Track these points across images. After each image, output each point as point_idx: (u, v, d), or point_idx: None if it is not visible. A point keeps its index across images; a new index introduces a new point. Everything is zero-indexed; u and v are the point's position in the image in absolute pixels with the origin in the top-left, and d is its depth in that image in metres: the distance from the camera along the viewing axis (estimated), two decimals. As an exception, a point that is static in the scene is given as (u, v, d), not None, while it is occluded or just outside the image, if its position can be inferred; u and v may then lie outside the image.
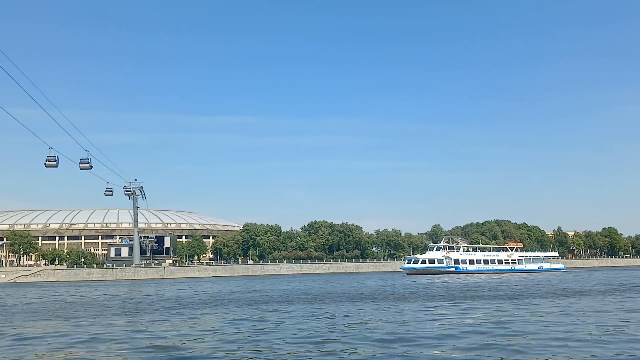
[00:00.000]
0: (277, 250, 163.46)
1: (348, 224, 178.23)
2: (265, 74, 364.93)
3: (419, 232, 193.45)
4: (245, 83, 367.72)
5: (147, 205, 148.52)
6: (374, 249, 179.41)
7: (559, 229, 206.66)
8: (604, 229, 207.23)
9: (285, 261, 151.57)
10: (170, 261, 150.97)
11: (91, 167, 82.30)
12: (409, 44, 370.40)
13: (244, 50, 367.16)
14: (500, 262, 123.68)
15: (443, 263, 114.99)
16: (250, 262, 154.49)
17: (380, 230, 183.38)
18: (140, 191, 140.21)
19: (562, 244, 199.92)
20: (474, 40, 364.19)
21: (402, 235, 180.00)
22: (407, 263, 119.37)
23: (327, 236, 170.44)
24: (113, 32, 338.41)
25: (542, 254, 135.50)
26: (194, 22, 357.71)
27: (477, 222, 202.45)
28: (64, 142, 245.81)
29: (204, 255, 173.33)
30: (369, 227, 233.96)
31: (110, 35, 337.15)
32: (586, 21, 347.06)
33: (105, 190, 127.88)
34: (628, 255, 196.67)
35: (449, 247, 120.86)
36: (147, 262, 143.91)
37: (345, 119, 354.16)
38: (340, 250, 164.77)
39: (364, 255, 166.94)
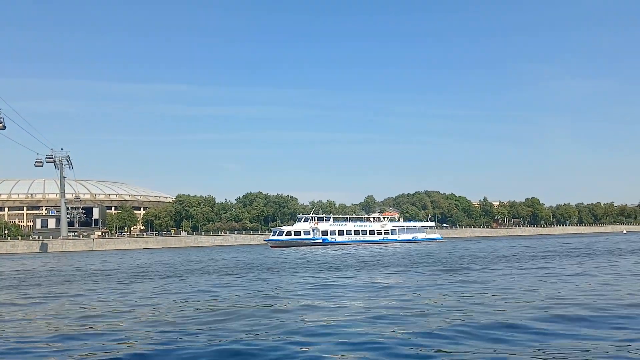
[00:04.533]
0: (211, 222, 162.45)
1: (283, 195, 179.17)
2: (198, 43, 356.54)
3: (353, 203, 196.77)
4: (178, 51, 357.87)
5: (75, 175, 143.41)
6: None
7: (484, 199, 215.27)
8: (527, 199, 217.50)
9: (220, 232, 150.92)
10: (100, 233, 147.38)
11: (4, 127, 77.53)
12: (339, 15, 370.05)
13: (176, 17, 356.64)
14: (372, 232, 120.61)
15: (310, 234, 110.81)
16: (184, 233, 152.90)
17: (315, 201, 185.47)
18: (67, 161, 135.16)
19: (488, 213, 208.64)
20: (407, 13, 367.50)
21: (337, 206, 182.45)
22: (272, 235, 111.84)
23: (262, 207, 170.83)
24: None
25: (418, 224, 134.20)
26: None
27: (408, 193, 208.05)
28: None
29: (135, 227, 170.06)
30: (305, 198, 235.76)
31: (33, 1, 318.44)
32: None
33: (35, 161, 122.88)
34: (549, 225, 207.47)
35: (317, 217, 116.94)
36: (75, 234, 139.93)
37: (279, 89, 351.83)
38: (276, 221, 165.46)
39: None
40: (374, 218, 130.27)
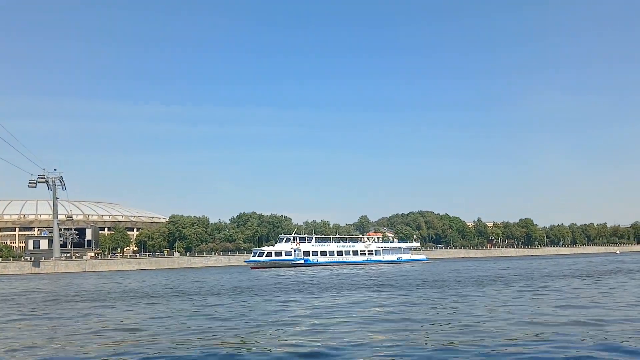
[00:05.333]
0: (204, 242, 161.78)
1: (277, 215, 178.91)
2: (191, 62, 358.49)
3: (347, 223, 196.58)
4: (172, 70, 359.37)
5: (68, 196, 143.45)
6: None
7: (478, 219, 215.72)
8: (521, 220, 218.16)
9: (213, 253, 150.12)
10: (93, 254, 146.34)
11: None
12: (325, 31, 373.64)
13: (171, 35, 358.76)
14: (355, 253, 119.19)
15: (291, 255, 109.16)
16: (177, 254, 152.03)
17: (309, 221, 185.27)
18: (60, 181, 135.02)
19: (482, 234, 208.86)
20: (398, 26, 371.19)
21: (331, 226, 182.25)
22: (253, 256, 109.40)
23: (256, 227, 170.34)
24: (30, 12, 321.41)
25: (403, 245, 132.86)
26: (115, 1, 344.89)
27: (402, 213, 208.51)
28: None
29: (128, 247, 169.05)
30: (299, 218, 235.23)
31: (27, 14, 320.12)
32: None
33: (29, 182, 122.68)
34: (543, 245, 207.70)
35: (299, 237, 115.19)
36: (68, 255, 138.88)
37: (274, 109, 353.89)
38: (270, 241, 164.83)
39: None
40: (362, 239, 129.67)
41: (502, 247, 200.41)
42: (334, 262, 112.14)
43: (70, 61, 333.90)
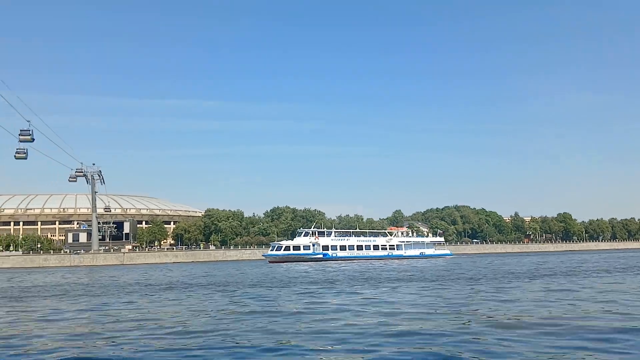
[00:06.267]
0: (239, 236, 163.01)
1: (311, 209, 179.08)
2: (226, 57, 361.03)
3: (381, 218, 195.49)
4: (205, 65, 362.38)
5: (106, 190, 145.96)
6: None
7: (516, 214, 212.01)
8: (559, 214, 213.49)
9: (247, 246, 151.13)
10: (130, 247, 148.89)
11: (33, 139, 74.36)
12: (350, 27, 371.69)
13: (207, 32, 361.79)
14: (376, 247, 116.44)
15: (310, 249, 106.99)
16: (212, 247, 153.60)
17: (342, 215, 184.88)
18: (99, 175, 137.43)
19: (519, 229, 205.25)
20: (415, 24, 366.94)
21: (364, 220, 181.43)
22: (271, 250, 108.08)
23: (290, 221, 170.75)
24: (70, 12, 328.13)
25: (426, 239, 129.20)
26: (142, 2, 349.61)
27: (437, 208, 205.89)
28: (11, 123, 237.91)
29: (165, 240, 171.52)
30: (332, 213, 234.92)
31: (64, 15, 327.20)
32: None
33: (70, 177, 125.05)
34: (581, 240, 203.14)
35: (318, 232, 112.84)
36: (106, 248, 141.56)
37: (309, 104, 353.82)
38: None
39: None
40: (392, 233, 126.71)
41: (539, 242, 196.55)
42: (353, 257, 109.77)
43: (103, 61, 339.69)
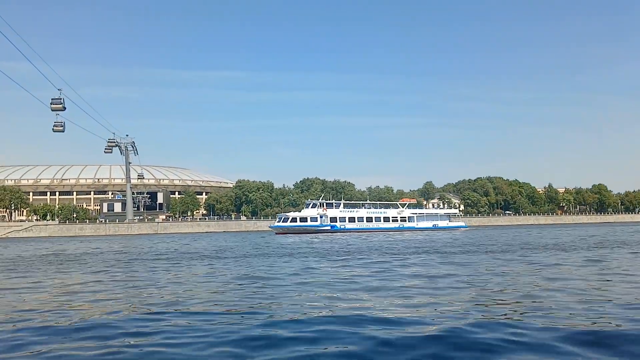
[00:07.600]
0: (269, 207, 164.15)
1: (340, 180, 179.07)
2: (256, 29, 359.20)
3: (411, 189, 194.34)
4: (236, 38, 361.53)
5: (140, 161, 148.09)
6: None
7: (549, 185, 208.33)
8: (594, 185, 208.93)
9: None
10: (164, 217, 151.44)
11: (64, 108, 74.81)
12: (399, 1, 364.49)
13: (234, 4, 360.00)
14: (387, 219, 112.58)
15: (317, 221, 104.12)
16: (243, 218, 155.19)
17: (372, 187, 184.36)
18: (133, 146, 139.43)
19: (553, 200, 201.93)
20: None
21: (394, 192, 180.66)
22: (278, 221, 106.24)
23: (320, 193, 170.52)
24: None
25: (440, 211, 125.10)
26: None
27: (469, 179, 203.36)
28: (49, 96, 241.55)
29: (197, 211, 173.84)
30: (362, 184, 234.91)
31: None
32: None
33: (105, 148, 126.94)
34: (617, 212, 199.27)
35: (327, 203, 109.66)
36: (140, 217, 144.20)
37: (337, 75, 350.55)
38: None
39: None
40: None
41: (573, 213, 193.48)
42: (362, 229, 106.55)
43: (138, 30, 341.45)
